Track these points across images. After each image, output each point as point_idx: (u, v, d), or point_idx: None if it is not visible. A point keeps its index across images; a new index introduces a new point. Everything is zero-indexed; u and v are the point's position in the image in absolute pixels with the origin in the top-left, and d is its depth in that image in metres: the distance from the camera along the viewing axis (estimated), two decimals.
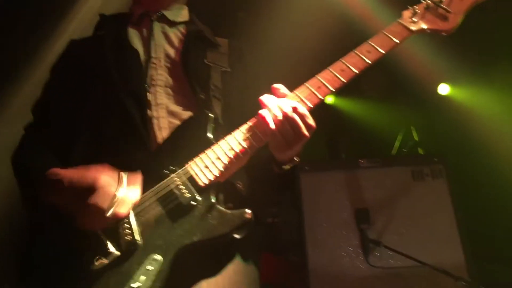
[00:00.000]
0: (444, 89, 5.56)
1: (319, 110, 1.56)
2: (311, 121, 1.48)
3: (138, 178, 1.48)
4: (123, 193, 1.43)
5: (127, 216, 1.44)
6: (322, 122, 1.62)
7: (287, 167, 1.60)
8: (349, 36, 3.84)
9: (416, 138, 4.85)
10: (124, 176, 1.46)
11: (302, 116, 1.46)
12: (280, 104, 1.47)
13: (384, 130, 5.42)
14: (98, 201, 1.40)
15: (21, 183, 1.66)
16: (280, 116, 1.45)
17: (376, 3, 4.24)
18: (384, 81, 5.58)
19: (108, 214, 1.39)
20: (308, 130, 1.47)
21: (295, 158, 1.60)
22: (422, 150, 4.67)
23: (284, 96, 1.53)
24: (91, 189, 1.41)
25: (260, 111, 1.48)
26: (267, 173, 1.66)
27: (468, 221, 3.32)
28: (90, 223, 1.43)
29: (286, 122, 1.45)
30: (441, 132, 5.03)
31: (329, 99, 5.81)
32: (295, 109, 1.46)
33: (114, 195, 1.41)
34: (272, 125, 1.45)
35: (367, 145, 5.42)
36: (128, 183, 1.46)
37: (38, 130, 1.78)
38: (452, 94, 5.49)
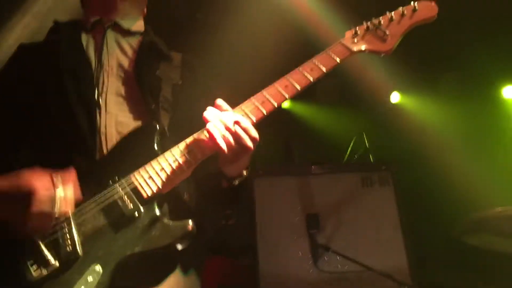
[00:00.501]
0: (395, 97, 5.77)
1: (276, 113, 1.61)
2: (254, 133, 1.51)
3: (71, 175, 1.47)
4: (61, 192, 1.41)
5: (69, 218, 1.44)
6: (278, 125, 1.66)
7: (236, 182, 1.62)
8: (304, 46, 3.93)
9: (367, 144, 5.00)
10: (57, 176, 1.44)
11: (245, 129, 1.49)
12: (223, 118, 1.50)
13: (338, 135, 5.56)
14: (40, 205, 1.38)
15: None
16: (223, 130, 1.48)
17: (332, 16, 4.34)
18: (339, 87, 5.73)
19: (56, 215, 1.38)
20: (252, 142, 1.50)
21: (244, 172, 1.62)
22: (372, 157, 4.83)
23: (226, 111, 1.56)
24: (27, 194, 1.38)
25: (207, 126, 1.51)
26: (216, 187, 1.67)
27: (412, 227, 3.46)
28: (34, 229, 1.41)
29: (230, 136, 1.48)
30: (391, 139, 5.21)
31: (285, 104, 5.90)
32: (237, 123, 1.49)
33: (54, 196, 1.40)
34: (218, 139, 1.47)
35: (321, 149, 5.54)
36: (63, 182, 1.43)
37: None
38: (403, 102, 5.71)
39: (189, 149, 1.54)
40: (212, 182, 1.67)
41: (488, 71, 4.65)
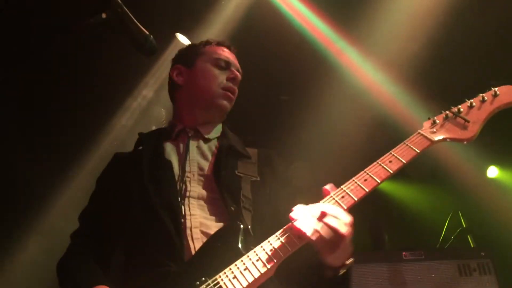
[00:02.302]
0: (493, 171, 5.44)
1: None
2: (346, 218, 1.50)
3: None
4: None
5: None
6: (365, 207, 1.63)
7: (342, 271, 1.58)
8: (383, 136, 3.95)
9: (464, 224, 4.68)
10: None
11: (335, 216, 1.49)
12: (311, 211, 1.52)
13: (431, 215, 5.27)
14: None
15: None
16: (312, 223, 1.49)
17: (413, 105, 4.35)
18: (430, 164, 5.52)
19: None
20: (345, 228, 1.48)
21: (347, 262, 1.59)
22: (471, 237, 4.48)
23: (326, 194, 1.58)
24: None
25: (295, 223, 1.52)
26: (321, 279, 1.63)
27: None
28: None
29: (321, 226, 1.48)
30: (491, 218, 4.83)
31: None
32: (325, 212, 1.50)
33: None
34: (308, 233, 1.48)
35: (413, 231, 5.26)
36: None
37: (83, 238, 1.91)
38: (501, 177, 5.35)
39: (272, 247, 1.56)
40: (315, 274, 1.64)
41: None
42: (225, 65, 2.12)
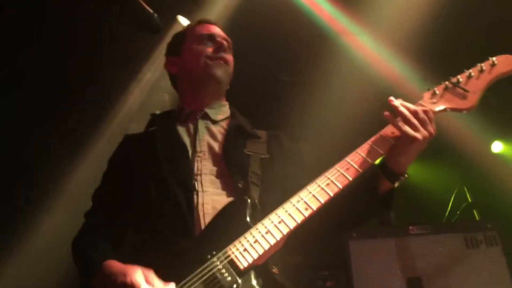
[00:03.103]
0: (497, 146, 5.44)
1: None
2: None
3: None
4: None
5: None
6: None
7: (398, 183, 1.69)
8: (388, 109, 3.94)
9: (469, 199, 4.70)
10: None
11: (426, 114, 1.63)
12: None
13: (436, 191, 5.30)
14: None
15: (79, 269, 1.82)
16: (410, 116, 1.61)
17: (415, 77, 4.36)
18: (434, 139, 5.51)
19: None
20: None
21: (405, 174, 1.69)
22: (477, 212, 4.51)
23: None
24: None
25: (400, 108, 1.63)
26: (372, 196, 1.74)
27: None
28: None
29: (416, 114, 1.61)
30: (496, 192, 4.85)
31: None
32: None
33: None
34: (405, 111, 1.60)
35: (418, 207, 5.29)
36: None
37: (96, 217, 1.97)
38: (506, 152, 5.36)
39: (280, 218, 1.61)
40: (369, 190, 1.73)
41: None
42: (209, 38, 2.15)
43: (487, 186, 4.98)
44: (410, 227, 3.50)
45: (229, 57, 2.16)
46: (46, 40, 3.84)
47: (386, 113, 1.65)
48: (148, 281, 1.54)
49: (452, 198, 4.87)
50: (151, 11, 1.77)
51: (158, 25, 1.81)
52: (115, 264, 1.65)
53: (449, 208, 4.77)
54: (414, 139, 1.59)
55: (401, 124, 1.61)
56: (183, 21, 4.08)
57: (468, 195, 4.81)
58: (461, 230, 3.43)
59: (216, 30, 2.21)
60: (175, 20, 4.08)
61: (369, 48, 4.41)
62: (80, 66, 4.19)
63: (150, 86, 4.49)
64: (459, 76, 1.70)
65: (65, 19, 3.80)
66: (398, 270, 3.34)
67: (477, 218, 4.45)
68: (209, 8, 3.95)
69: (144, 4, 1.73)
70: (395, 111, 1.64)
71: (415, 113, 1.61)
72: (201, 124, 2.06)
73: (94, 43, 4.05)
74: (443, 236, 3.41)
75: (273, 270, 1.66)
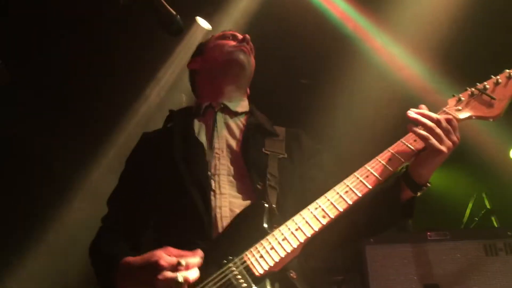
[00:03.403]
0: None
1: None
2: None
3: (196, 261, 1.54)
4: (181, 277, 1.47)
5: None
6: None
7: (420, 193, 1.66)
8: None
9: (488, 205, 4.62)
10: (184, 258, 1.52)
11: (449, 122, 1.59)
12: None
13: (454, 197, 5.22)
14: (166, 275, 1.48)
15: (98, 272, 1.80)
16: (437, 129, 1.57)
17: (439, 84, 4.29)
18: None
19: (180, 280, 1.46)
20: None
21: (428, 183, 1.66)
22: (495, 219, 4.43)
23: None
24: (153, 272, 1.50)
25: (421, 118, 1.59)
26: (393, 204, 1.70)
27: None
28: None
29: (439, 123, 1.57)
30: None
31: None
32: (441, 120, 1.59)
33: (176, 280, 1.47)
34: (427, 122, 1.56)
35: (436, 213, 5.22)
36: (187, 267, 1.51)
37: (113, 220, 1.96)
38: None
39: (297, 226, 1.59)
40: (389, 194, 1.69)
41: None
42: (233, 37, 2.21)
43: (505, 193, 4.89)
44: (428, 233, 3.43)
45: (252, 55, 2.18)
46: (67, 38, 3.88)
47: (410, 125, 1.61)
48: (178, 255, 1.53)
49: (470, 205, 4.80)
50: (174, 13, 1.76)
51: (180, 27, 1.80)
52: (133, 258, 1.63)
53: (467, 214, 4.70)
54: (439, 152, 1.56)
55: (426, 136, 1.56)
56: (202, 22, 4.08)
57: (486, 202, 4.73)
58: (480, 237, 3.35)
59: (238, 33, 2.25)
60: (193, 21, 4.09)
61: (391, 52, 4.35)
62: (100, 66, 4.22)
63: (169, 87, 4.51)
64: (485, 83, 1.66)
65: (85, 18, 3.83)
66: (415, 276, 3.28)
67: (496, 225, 4.37)
68: (228, 9, 3.94)
69: (167, 6, 1.72)
70: (416, 122, 1.60)
71: (438, 123, 1.57)
72: (220, 118, 2.03)
73: (114, 42, 4.07)
74: (462, 243, 3.34)
75: (291, 275, 1.63)
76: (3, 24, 3.32)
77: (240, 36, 2.20)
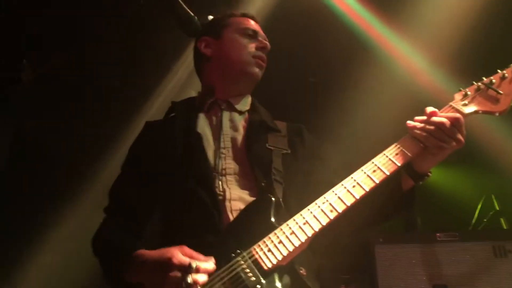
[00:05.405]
0: None
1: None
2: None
3: (209, 266, 1.54)
4: (190, 278, 1.48)
5: None
6: None
7: (421, 182, 1.71)
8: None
9: (497, 207, 4.59)
10: (196, 261, 1.53)
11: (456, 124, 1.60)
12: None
13: (463, 198, 5.19)
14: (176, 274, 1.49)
15: (105, 263, 1.80)
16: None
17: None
18: (463, 146, 5.39)
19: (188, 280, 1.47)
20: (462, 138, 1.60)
21: (429, 172, 1.70)
22: (504, 221, 4.40)
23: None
24: (164, 272, 1.51)
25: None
26: (394, 190, 1.73)
27: None
28: None
29: (443, 125, 1.59)
30: None
31: None
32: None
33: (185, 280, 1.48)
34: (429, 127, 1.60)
35: (445, 214, 5.19)
36: (197, 270, 1.51)
37: (115, 212, 1.95)
38: None
39: (305, 220, 1.60)
40: (391, 183, 1.71)
41: None
42: (253, 34, 2.14)
43: None
44: (438, 234, 3.43)
45: (266, 60, 2.16)
46: (82, 37, 3.92)
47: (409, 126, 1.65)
48: (192, 257, 1.53)
49: (479, 206, 4.77)
50: (192, 14, 1.79)
51: (198, 28, 1.83)
52: (148, 252, 1.63)
53: (476, 215, 4.67)
54: (441, 148, 1.61)
55: (426, 136, 1.60)
56: None
57: (495, 203, 4.70)
58: (489, 238, 3.33)
59: (259, 28, 2.20)
60: (206, 21, 4.11)
61: (403, 54, 4.35)
62: (113, 65, 4.26)
63: (181, 85, 4.54)
64: (492, 77, 1.66)
65: (100, 17, 3.87)
66: (424, 277, 3.27)
67: (504, 227, 4.35)
68: (242, 9, 3.97)
69: (185, 7, 1.75)
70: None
71: (441, 125, 1.59)
72: (225, 116, 2.04)
73: (126, 41, 4.11)
74: (471, 244, 3.33)
75: (301, 271, 1.64)
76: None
77: (263, 40, 2.14)
